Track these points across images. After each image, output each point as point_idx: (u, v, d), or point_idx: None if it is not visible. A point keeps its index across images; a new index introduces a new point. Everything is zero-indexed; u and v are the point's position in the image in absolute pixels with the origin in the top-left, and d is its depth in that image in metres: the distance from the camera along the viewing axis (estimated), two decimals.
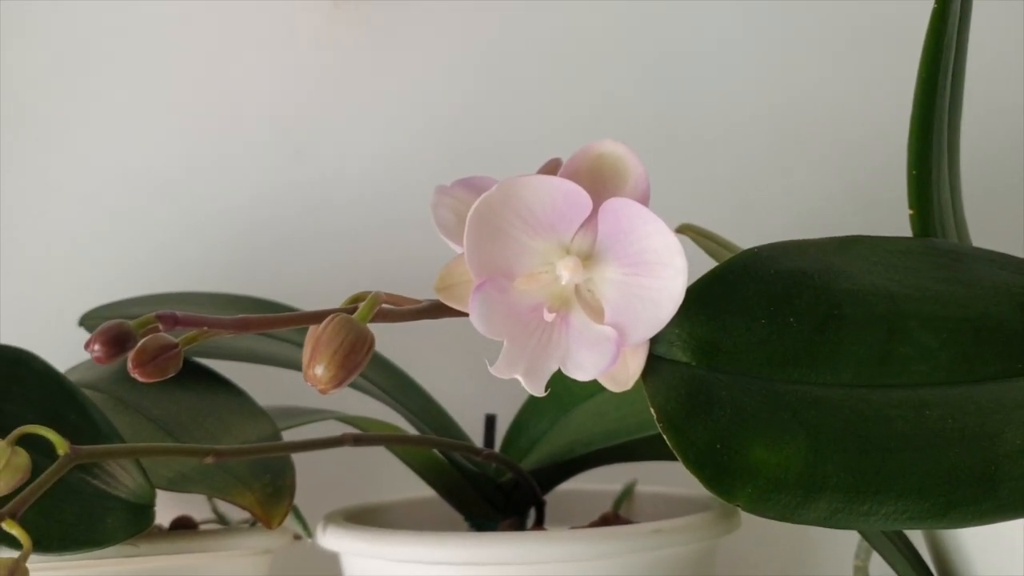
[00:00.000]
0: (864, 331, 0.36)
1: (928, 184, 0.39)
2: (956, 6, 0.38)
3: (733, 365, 0.35)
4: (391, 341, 0.52)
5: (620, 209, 0.33)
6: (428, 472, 0.53)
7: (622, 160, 0.34)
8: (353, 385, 0.53)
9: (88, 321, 0.50)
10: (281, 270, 0.71)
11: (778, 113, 0.70)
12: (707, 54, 0.71)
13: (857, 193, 0.68)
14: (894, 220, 0.42)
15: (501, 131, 0.72)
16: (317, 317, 0.32)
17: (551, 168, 0.37)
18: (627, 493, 0.57)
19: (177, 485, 0.43)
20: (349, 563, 0.49)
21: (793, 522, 0.34)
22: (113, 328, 0.28)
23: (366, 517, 0.52)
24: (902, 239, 0.39)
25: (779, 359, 0.35)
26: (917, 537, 0.45)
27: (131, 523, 0.40)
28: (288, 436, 0.49)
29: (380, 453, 0.57)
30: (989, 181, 0.65)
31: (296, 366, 0.53)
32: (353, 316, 0.32)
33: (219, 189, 0.72)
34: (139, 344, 0.30)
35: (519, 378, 0.33)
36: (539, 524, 0.53)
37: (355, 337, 0.31)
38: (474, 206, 0.34)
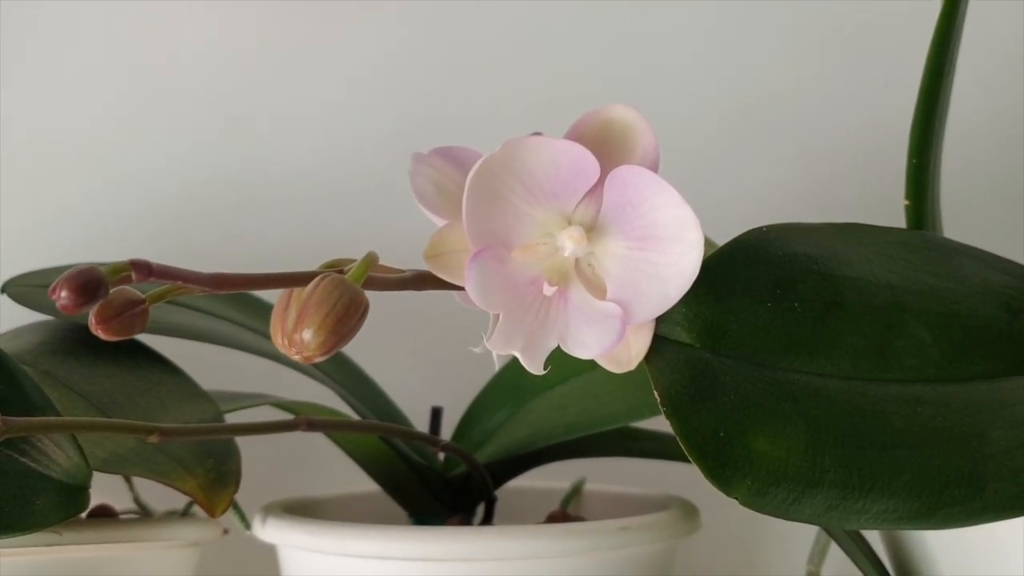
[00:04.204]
0: (863, 321, 0.35)
1: (927, 174, 0.38)
2: None
3: (737, 349, 0.33)
4: None
5: (630, 178, 0.31)
6: (373, 464, 0.50)
7: (632, 127, 0.32)
8: (298, 367, 0.50)
9: (12, 288, 0.46)
10: (212, 242, 0.67)
11: (739, 110, 0.69)
12: (666, 48, 0.69)
13: (819, 194, 0.67)
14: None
15: (449, 109, 0.70)
16: (303, 278, 0.29)
17: None
18: (575, 491, 0.54)
19: (112, 466, 0.39)
20: (288, 558, 0.46)
21: (788, 518, 0.32)
22: (85, 273, 0.25)
23: (304, 511, 0.49)
24: (898, 230, 0.38)
25: (782, 346, 0.33)
26: (873, 537, 0.44)
27: (63, 506, 0.36)
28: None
29: (316, 446, 0.54)
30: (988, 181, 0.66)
31: (234, 345, 0.50)
32: (346, 277, 0.29)
33: (148, 157, 0.68)
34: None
35: (517, 355, 0.31)
36: (487, 522, 0.51)
37: (349, 299, 0.28)
38: (475, 167, 0.31)
